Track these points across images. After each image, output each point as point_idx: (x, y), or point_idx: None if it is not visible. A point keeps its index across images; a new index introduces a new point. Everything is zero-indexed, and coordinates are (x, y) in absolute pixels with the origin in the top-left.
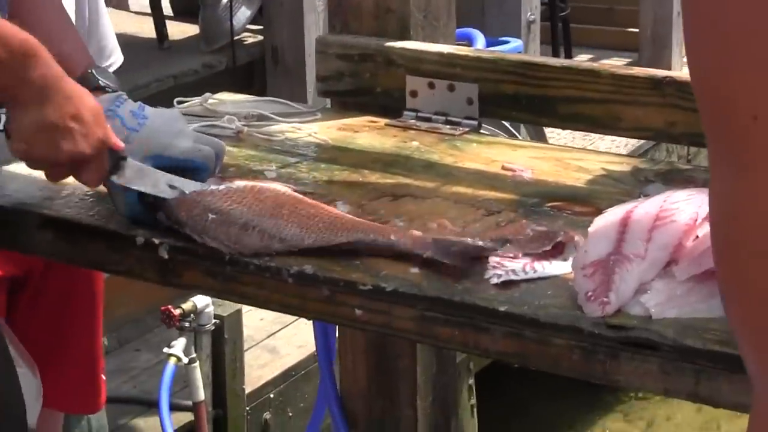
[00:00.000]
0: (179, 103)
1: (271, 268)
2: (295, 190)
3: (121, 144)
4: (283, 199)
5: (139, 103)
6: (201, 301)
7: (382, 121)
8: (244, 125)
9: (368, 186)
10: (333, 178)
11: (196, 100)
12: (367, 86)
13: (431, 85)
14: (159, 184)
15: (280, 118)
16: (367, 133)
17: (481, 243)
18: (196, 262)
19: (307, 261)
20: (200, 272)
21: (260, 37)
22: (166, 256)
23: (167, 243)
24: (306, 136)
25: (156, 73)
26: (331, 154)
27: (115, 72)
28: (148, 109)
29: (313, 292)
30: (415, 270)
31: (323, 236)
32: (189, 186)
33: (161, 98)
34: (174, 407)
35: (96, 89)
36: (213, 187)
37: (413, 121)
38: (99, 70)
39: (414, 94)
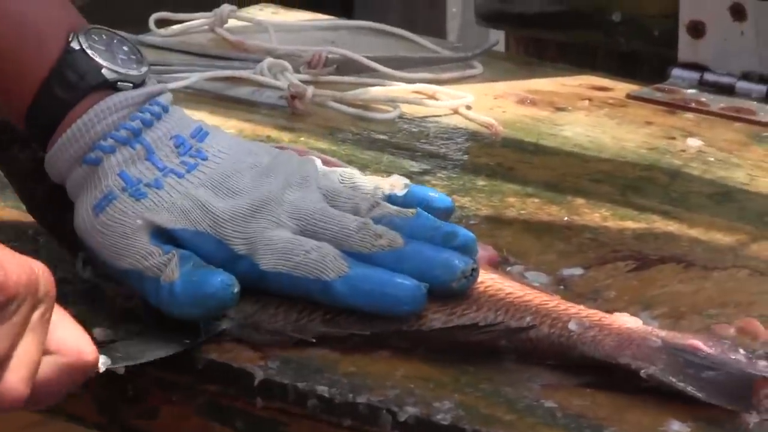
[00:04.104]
0: (160, 24)
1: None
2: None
3: None
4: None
5: (198, 124)
6: None
7: (621, 88)
8: (309, 81)
9: (582, 233)
10: (502, 212)
11: (197, 20)
12: (584, 7)
13: (738, 13)
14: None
15: (390, 70)
16: (585, 114)
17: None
18: (185, 386)
19: (391, 373)
20: (195, 407)
21: None
22: (123, 370)
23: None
24: (447, 116)
25: None
26: (501, 158)
27: None
28: (218, 135)
29: None
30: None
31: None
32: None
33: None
34: None
35: (99, 87)
36: None
37: (691, 91)
38: (94, 36)
39: (696, 30)
